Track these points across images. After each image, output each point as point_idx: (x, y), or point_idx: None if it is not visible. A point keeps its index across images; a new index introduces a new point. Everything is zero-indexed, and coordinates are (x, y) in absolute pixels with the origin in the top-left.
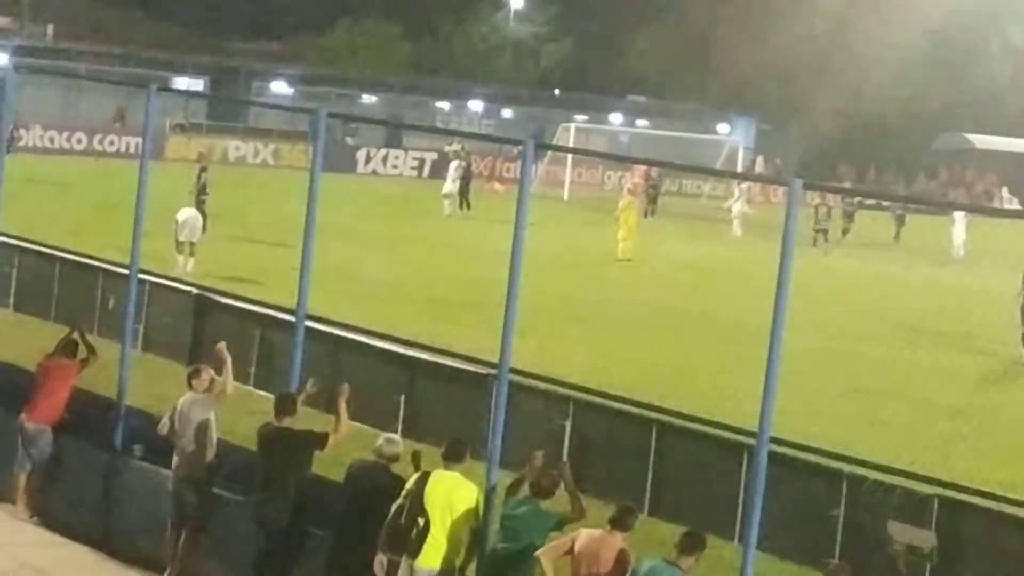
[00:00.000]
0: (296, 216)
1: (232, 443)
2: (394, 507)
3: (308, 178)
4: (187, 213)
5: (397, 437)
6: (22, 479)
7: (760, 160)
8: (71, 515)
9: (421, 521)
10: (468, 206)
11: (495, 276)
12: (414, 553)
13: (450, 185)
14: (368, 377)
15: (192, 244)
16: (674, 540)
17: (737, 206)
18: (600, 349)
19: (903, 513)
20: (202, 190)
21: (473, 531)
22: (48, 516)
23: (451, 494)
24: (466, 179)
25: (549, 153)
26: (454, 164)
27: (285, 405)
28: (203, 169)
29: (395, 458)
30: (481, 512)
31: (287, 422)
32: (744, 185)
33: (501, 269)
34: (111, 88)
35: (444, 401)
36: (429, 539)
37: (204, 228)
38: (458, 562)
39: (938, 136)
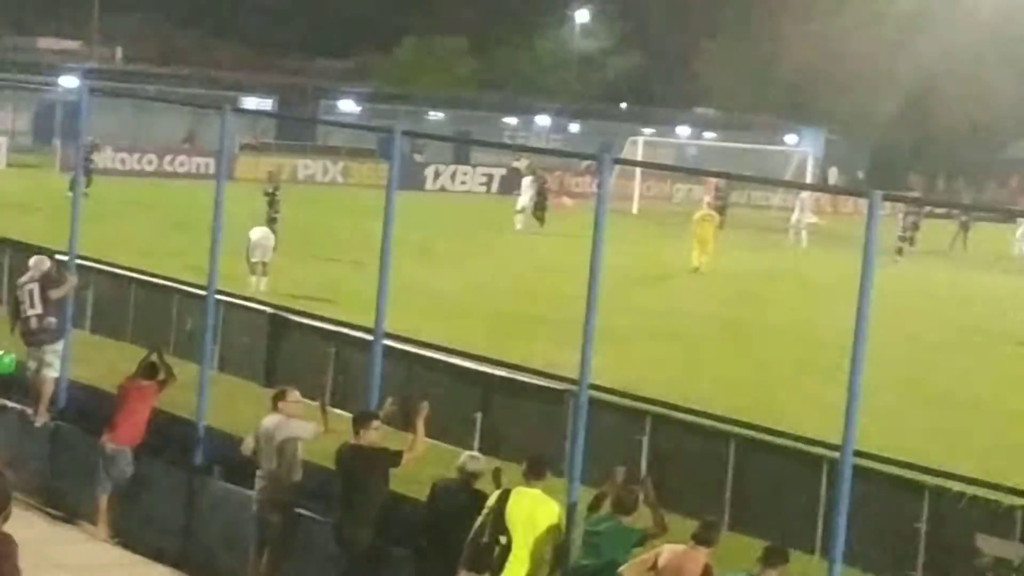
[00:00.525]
0: (367, 233)
1: (312, 462)
2: (476, 525)
3: (377, 195)
4: (259, 233)
5: (479, 454)
6: (103, 500)
7: (835, 171)
8: (152, 536)
9: (503, 539)
10: (542, 221)
11: (567, 291)
12: (496, 571)
13: (524, 200)
14: (444, 394)
15: (264, 264)
16: (754, 554)
17: (797, 216)
18: (674, 362)
19: (987, 525)
20: (274, 209)
21: (556, 548)
22: (129, 537)
23: (533, 511)
24: (542, 195)
25: (617, 167)
26: (528, 180)
27: (363, 423)
28: (275, 188)
29: (478, 475)
30: (563, 529)
31: (365, 440)
32: (804, 195)
33: (571, 283)
34: (180, 109)
35: (520, 417)
36: (511, 557)
37: (275, 247)
38: None
39: (1008, 143)
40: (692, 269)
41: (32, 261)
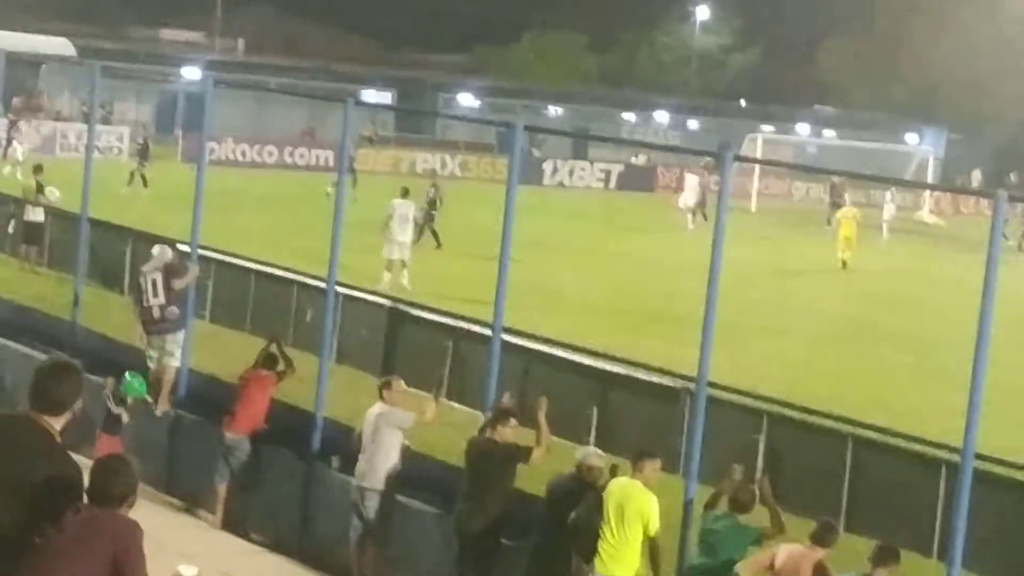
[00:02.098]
0: (488, 227)
1: (426, 455)
2: (576, 512)
3: (496, 190)
4: (403, 208)
5: (599, 450)
6: (221, 489)
7: (978, 173)
8: (269, 524)
9: (603, 528)
10: (704, 218)
11: (688, 288)
12: (588, 558)
13: (690, 199)
14: (560, 389)
15: (403, 261)
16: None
17: (889, 211)
18: (792, 361)
19: None
20: (432, 205)
21: (649, 539)
22: (247, 525)
23: (623, 501)
24: (705, 193)
25: (736, 164)
26: (696, 179)
27: (501, 419)
28: (434, 185)
29: (595, 470)
30: (654, 520)
31: (499, 436)
32: (891, 191)
33: (693, 281)
34: (300, 101)
35: (637, 414)
36: (603, 544)
37: (439, 244)
38: (635, 569)
39: None
40: (841, 265)
41: (155, 250)
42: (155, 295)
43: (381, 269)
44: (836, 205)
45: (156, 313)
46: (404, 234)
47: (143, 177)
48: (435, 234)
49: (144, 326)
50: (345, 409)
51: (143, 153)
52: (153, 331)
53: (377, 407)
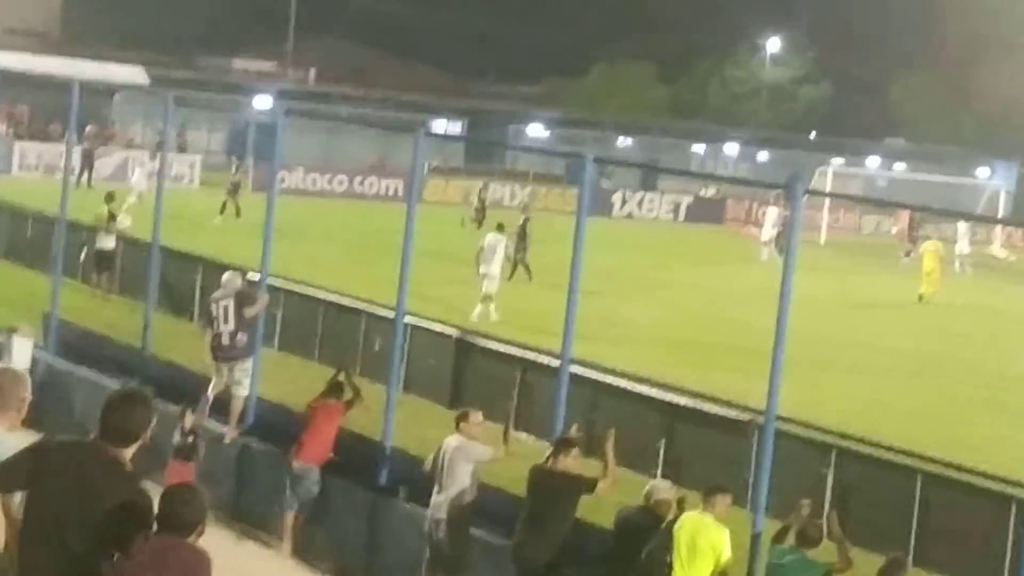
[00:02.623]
0: (559, 258)
1: (492, 485)
2: (647, 548)
3: (565, 221)
4: (492, 240)
5: (668, 483)
6: (289, 517)
7: None
8: (336, 554)
9: (669, 560)
10: (780, 251)
11: (756, 321)
12: None
13: (769, 231)
14: (628, 421)
15: (489, 294)
16: None
17: (965, 246)
18: (861, 395)
19: None
20: (522, 237)
21: (720, 573)
22: (313, 555)
23: (695, 535)
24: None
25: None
26: (775, 211)
27: (564, 449)
28: (526, 219)
29: (664, 503)
30: (726, 555)
31: (561, 465)
32: (962, 226)
33: (759, 314)
34: (370, 131)
35: (704, 446)
36: None
37: (530, 276)
38: None
39: None
40: (918, 299)
41: (225, 278)
42: (226, 321)
43: (484, 305)
44: (913, 239)
45: (226, 340)
46: (491, 267)
47: (236, 206)
48: (526, 266)
49: (213, 352)
50: (413, 439)
51: (236, 184)
52: (221, 357)
53: (454, 439)
